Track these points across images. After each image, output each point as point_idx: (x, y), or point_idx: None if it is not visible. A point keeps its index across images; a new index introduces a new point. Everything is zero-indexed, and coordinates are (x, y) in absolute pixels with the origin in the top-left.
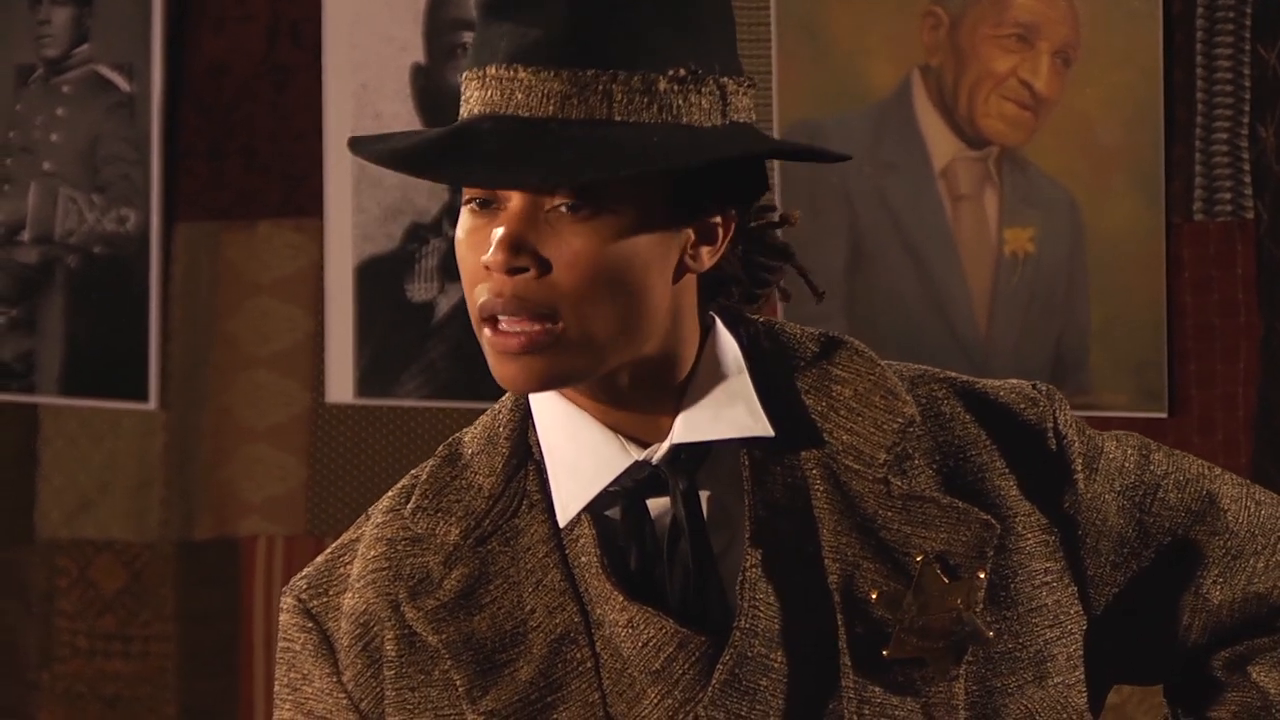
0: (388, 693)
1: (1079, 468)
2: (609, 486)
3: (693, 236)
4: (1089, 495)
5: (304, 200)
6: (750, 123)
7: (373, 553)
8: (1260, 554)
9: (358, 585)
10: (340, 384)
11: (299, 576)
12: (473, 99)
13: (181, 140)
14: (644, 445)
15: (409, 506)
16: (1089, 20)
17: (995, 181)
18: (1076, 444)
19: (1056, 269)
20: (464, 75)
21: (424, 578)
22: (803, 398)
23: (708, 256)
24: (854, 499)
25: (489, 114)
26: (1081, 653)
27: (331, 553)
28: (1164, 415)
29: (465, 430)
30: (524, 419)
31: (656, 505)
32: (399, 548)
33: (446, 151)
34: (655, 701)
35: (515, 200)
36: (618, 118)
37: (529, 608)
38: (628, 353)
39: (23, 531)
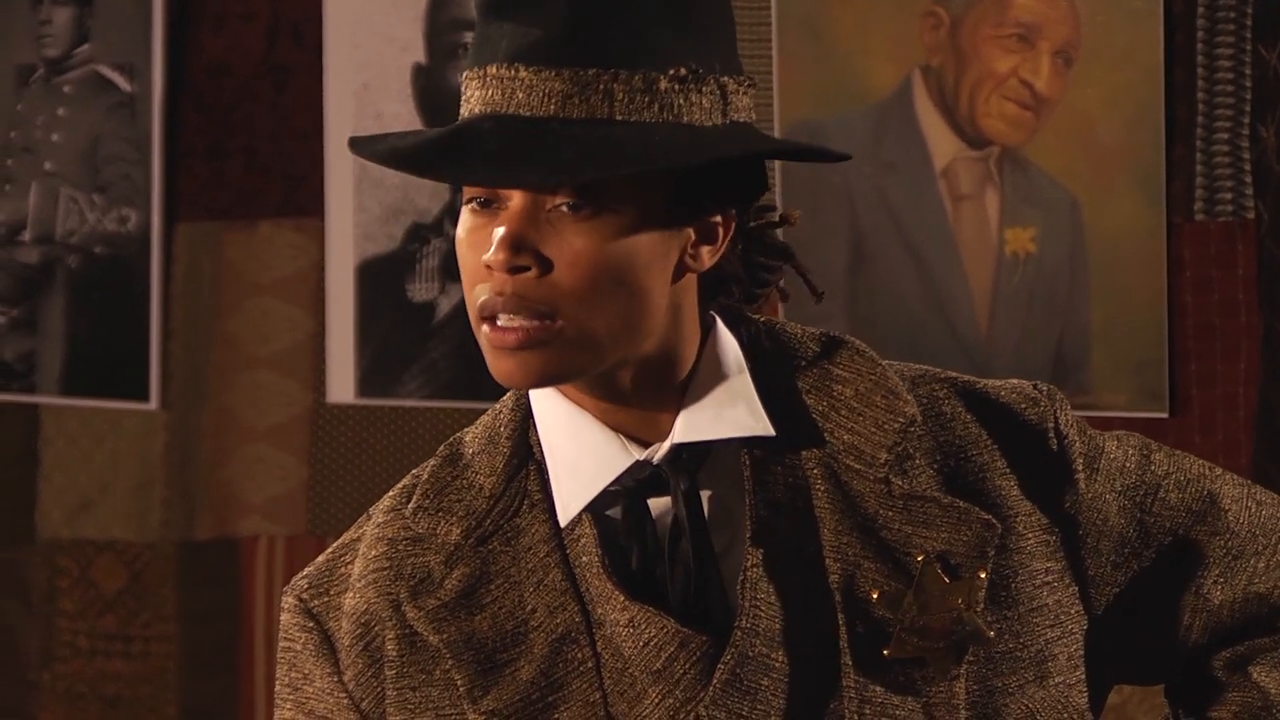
0: (389, 692)
1: (1080, 468)
2: (610, 486)
3: (693, 236)
4: (1090, 495)
5: (305, 200)
6: (751, 122)
7: (374, 552)
8: (1261, 554)
9: (359, 585)
10: (341, 384)
11: (300, 576)
12: (473, 98)
13: (182, 140)
14: (645, 445)
15: (410, 506)
16: (1090, 20)
17: (996, 181)
18: (1077, 444)
19: (1057, 269)
20: (464, 75)
21: (425, 577)
22: (804, 397)
23: (708, 256)
24: (855, 499)
25: (490, 113)
26: (1082, 652)
27: (332, 552)
28: (1165, 415)
29: (466, 430)
30: (525, 419)
31: (657, 505)
32: (400, 547)
33: (447, 151)
34: (656, 701)
35: (516, 199)
36: (619, 117)
37: (530, 607)
38: (626, 351)
39: (24, 531)
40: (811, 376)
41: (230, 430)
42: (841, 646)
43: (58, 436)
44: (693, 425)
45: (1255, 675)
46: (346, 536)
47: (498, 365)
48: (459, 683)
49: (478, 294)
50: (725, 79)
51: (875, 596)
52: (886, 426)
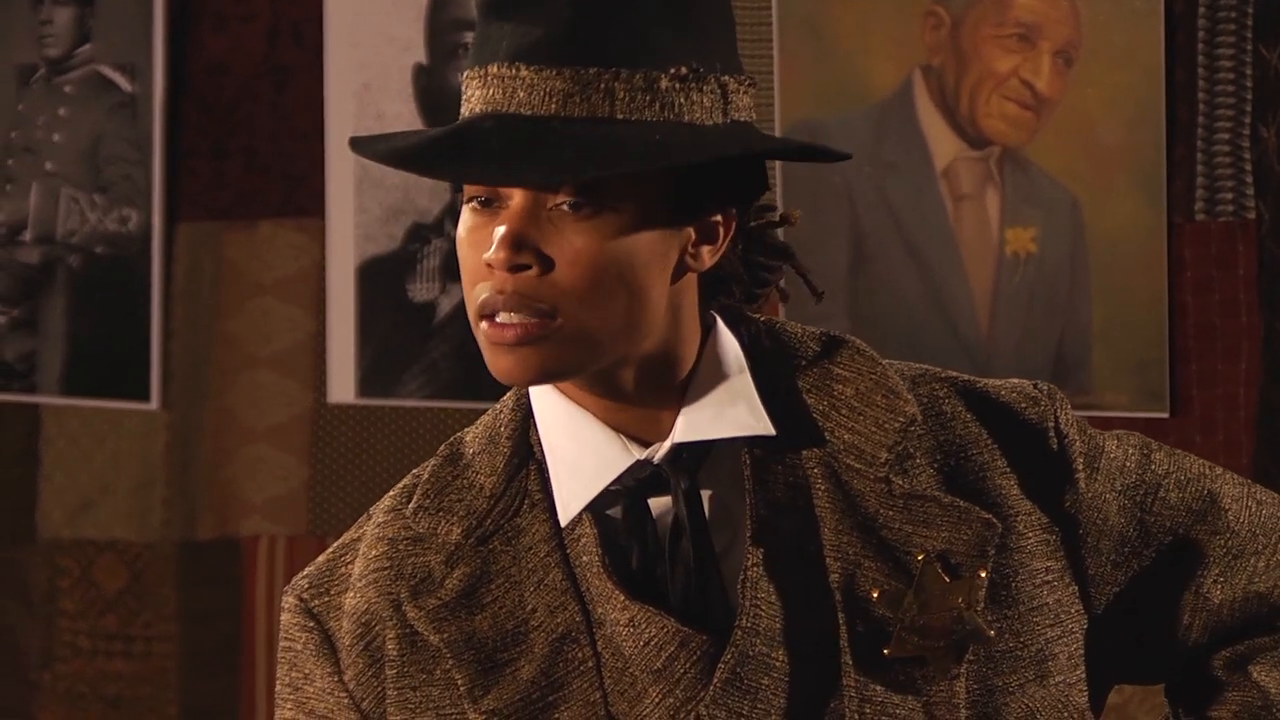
0: (389, 692)
1: (1080, 467)
2: (610, 486)
3: (693, 235)
4: (1090, 494)
5: (305, 200)
6: (751, 122)
7: (374, 552)
8: (1261, 553)
9: (359, 585)
10: (342, 384)
11: (300, 576)
12: (474, 98)
13: (183, 140)
14: (645, 444)
15: (410, 506)
16: (1090, 20)
17: (997, 181)
18: (1078, 443)
19: (1058, 269)
20: (465, 74)
21: (425, 577)
22: (804, 397)
23: (708, 255)
24: (855, 498)
25: (491, 112)
26: (1082, 652)
27: (333, 552)
28: (1165, 415)
29: (466, 430)
30: (525, 418)
31: (658, 504)
32: (400, 547)
33: (449, 150)
34: (656, 700)
35: (517, 198)
36: (620, 116)
37: (530, 607)
38: (625, 349)
39: (24, 531)
40: (812, 376)
41: (231, 430)
42: (842, 646)
43: (59, 436)
44: (693, 425)
45: (1255, 674)
46: (347, 536)
47: (496, 361)
48: (459, 682)
49: (478, 292)
50: (726, 78)
51: (875, 596)
52: (887, 426)
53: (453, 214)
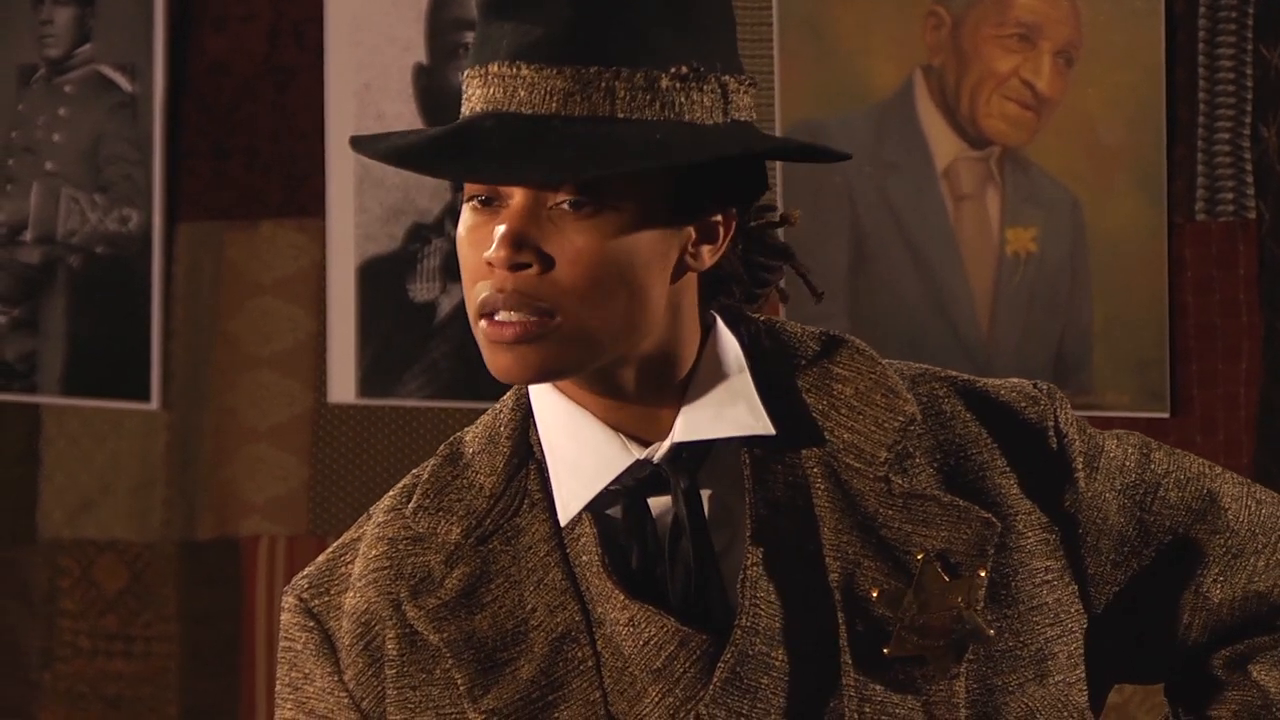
0: (389, 692)
1: (1080, 466)
2: (610, 485)
3: (694, 235)
4: (1089, 494)
5: (306, 200)
6: (751, 121)
7: (374, 552)
8: (1261, 553)
9: (359, 584)
10: (342, 384)
11: (300, 576)
12: (475, 97)
13: (184, 140)
14: (645, 444)
15: (410, 506)
16: (1091, 20)
17: (997, 181)
18: (1077, 443)
19: (1058, 269)
20: (465, 74)
21: (425, 577)
22: (804, 396)
23: (708, 255)
24: (855, 497)
25: (491, 111)
26: (1082, 651)
27: (333, 552)
28: (1166, 415)
29: (466, 430)
30: (525, 418)
31: (658, 504)
32: (400, 547)
33: (449, 149)
34: (656, 700)
35: (518, 197)
36: (620, 115)
37: (530, 606)
38: (625, 349)
39: (25, 531)
40: (811, 375)
41: (231, 430)
42: (841, 645)
43: (59, 436)
44: (693, 424)
45: (1255, 674)
46: (347, 536)
47: (494, 360)
48: (459, 682)
49: (478, 291)
50: (726, 78)
51: (875, 595)
52: (886, 425)
53: (453, 214)
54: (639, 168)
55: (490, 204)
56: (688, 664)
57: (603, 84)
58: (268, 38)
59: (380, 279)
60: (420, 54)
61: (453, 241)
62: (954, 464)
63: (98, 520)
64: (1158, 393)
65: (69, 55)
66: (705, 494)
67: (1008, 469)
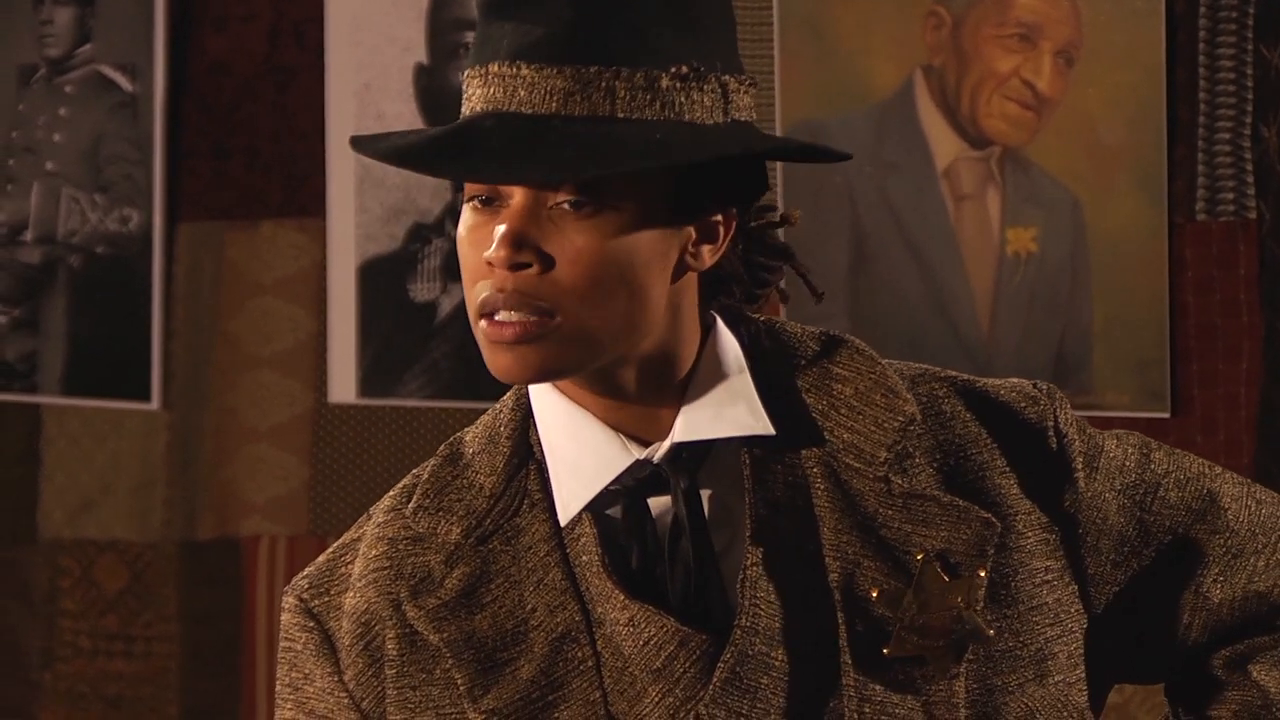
0: (389, 692)
1: (1079, 466)
2: (610, 485)
3: (694, 235)
4: (1089, 494)
5: (306, 200)
6: (752, 121)
7: (374, 552)
8: (1261, 552)
9: (359, 584)
10: (342, 384)
11: (301, 576)
12: (475, 96)
13: (184, 140)
14: (645, 444)
15: (410, 506)
16: (1091, 20)
17: (998, 181)
18: (1077, 443)
19: (1059, 269)
20: (466, 74)
21: (425, 577)
22: (803, 396)
23: (708, 255)
24: (854, 497)
25: (491, 111)
26: (1082, 651)
27: (333, 552)
28: (1166, 415)
29: (466, 430)
30: (525, 418)
31: (657, 504)
32: (400, 547)
33: (449, 148)
34: (656, 700)
35: (518, 197)
36: (620, 114)
37: (530, 606)
38: (624, 348)
39: (25, 531)
40: (811, 375)
41: (232, 430)
42: (841, 645)
43: (59, 436)
44: (693, 424)
45: (1255, 674)
46: (347, 536)
47: (494, 360)
48: (459, 682)
49: (478, 291)
50: (726, 78)
51: (875, 595)
52: (886, 425)
53: (453, 214)
54: (639, 167)
55: (490, 204)
56: (687, 664)
57: (603, 84)
58: (268, 38)
59: (381, 279)
60: (420, 54)
61: (453, 241)
62: (954, 464)
63: (98, 520)
64: (1158, 393)
65: (69, 55)
66: (705, 494)
67: (1007, 469)
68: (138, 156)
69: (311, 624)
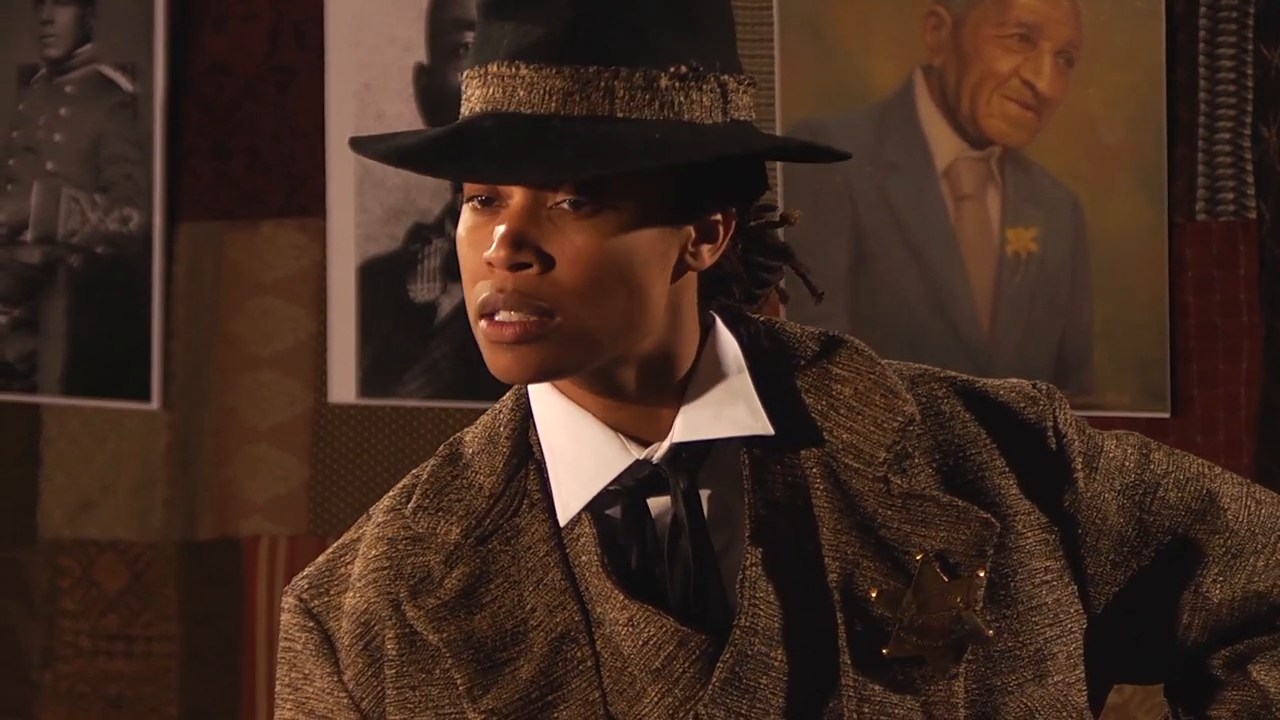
0: (389, 692)
1: (1079, 466)
2: (609, 485)
3: (693, 234)
4: (1089, 494)
5: (307, 200)
6: (751, 121)
7: (374, 552)
8: (1260, 552)
9: (359, 584)
10: (343, 384)
11: (300, 576)
12: (474, 97)
13: (184, 140)
14: (644, 444)
15: (410, 506)
16: (1091, 20)
17: (998, 181)
18: (1076, 443)
19: (1059, 269)
20: (465, 74)
21: (425, 577)
22: (803, 396)
23: (708, 255)
24: (854, 497)
25: (491, 111)
26: (1082, 651)
27: (333, 552)
28: (1166, 415)
29: (466, 430)
30: (525, 418)
31: (657, 504)
32: (400, 547)
33: (449, 149)
34: (655, 700)
35: (517, 197)
36: (620, 114)
37: (529, 606)
38: (624, 348)
39: (25, 531)
40: (811, 376)
41: (232, 430)
42: (840, 645)
43: (59, 436)
44: (692, 424)
45: (1255, 674)
46: (347, 536)
47: (494, 360)
48: (459, 682)
49: (478, 291)
50: (726, 77)
51: (874, 595)
52: (885, 425)
53: (453, 214)
54: (638, 167)
55: (490, 204)
56: (687, 664)
57: (602, 84)
58: (268, 38)
59: (381, 279)
60: (420, 54)
61: (453, 241)
62: (953, 464)
63: (98, 520)
64: (1158, 393)
65: (70, 55)
66: (704, 494)
67: (1007, 469)
68: (138, 156)
69: (311, 624)
